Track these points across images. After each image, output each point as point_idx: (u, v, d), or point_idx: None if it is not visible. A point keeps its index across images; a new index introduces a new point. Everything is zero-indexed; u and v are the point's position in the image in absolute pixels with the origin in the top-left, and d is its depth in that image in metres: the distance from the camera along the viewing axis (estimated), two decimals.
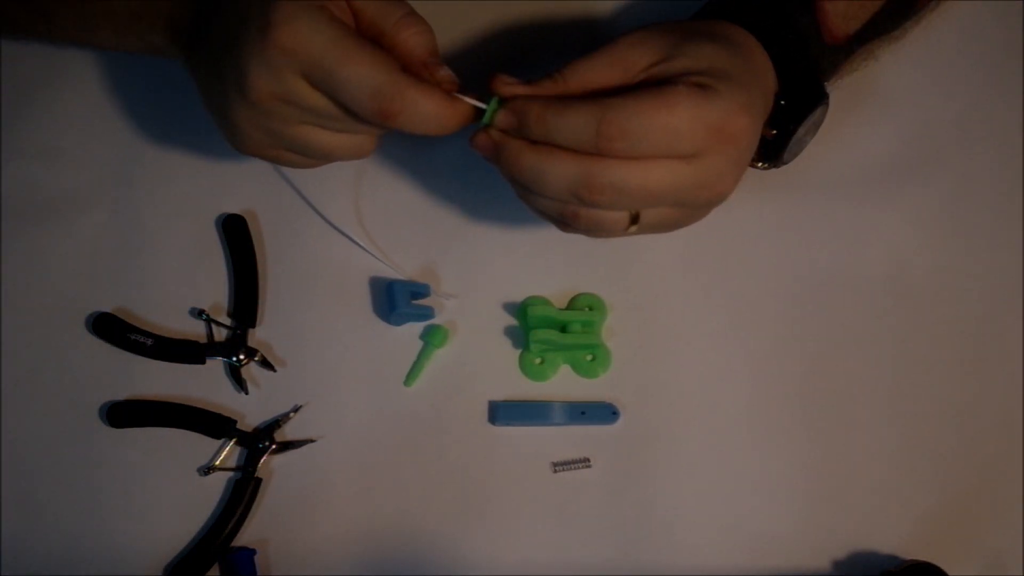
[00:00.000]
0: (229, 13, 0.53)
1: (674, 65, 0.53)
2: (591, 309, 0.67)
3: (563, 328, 0.65)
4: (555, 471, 0.65)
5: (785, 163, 0.62)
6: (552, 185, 0.52)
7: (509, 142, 0.53)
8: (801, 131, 0.60)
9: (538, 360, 0.66)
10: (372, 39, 0.52)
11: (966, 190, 0.69)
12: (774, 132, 0.59)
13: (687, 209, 0.55)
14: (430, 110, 0.51)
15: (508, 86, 0.53)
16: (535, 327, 0.65)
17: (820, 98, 0.60)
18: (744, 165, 0.55)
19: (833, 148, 0.68)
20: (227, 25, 0.53)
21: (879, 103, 0.70)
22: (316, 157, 0.57)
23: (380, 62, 0.51)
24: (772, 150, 0.60)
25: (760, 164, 0.62)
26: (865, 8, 0.62)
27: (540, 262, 0.68)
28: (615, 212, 0.53)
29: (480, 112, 0.53)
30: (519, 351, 0.67)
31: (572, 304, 0.67)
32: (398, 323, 0.67)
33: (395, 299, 0.66)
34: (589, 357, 0.66)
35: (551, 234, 0.68)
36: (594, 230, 0.54)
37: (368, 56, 0.50)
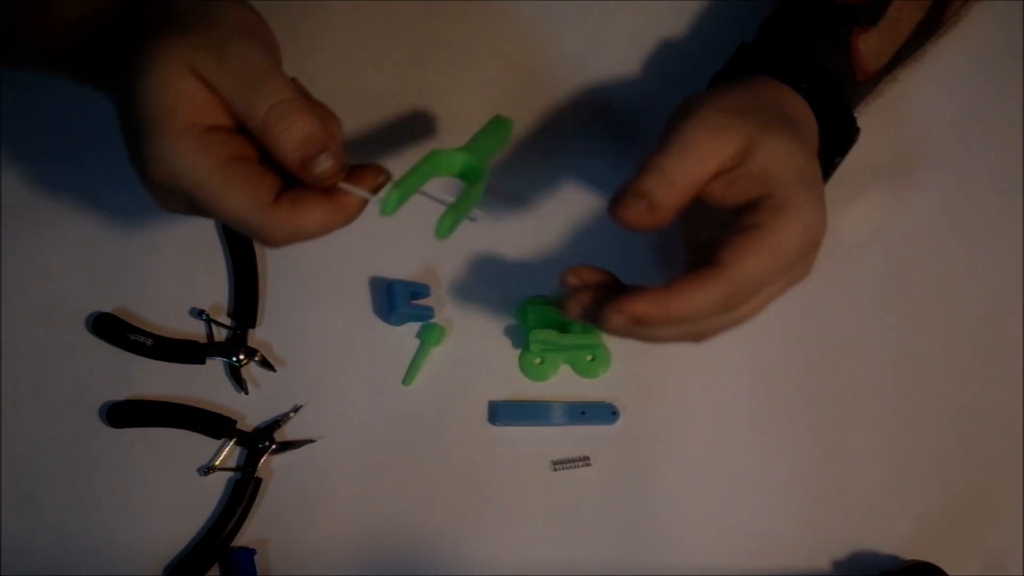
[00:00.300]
0: (122, 121, 0.51)
1: (755, 163, 0.52)
2: None
3: (563, 328, 0.64)
4: (555, 470, 0.65)
5: None
6: (699, 321, 0.52)
7: (646, 310, 0.50)
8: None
9: (538, 360, 0.66)
10: (252, 136, 0.50)
11: (966, 190, 0.70)
12: None
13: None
14: (312, 226, 0.50)
15: (640, 216, 0.51)
16: (535, 327, 0.65)
17: (854, 138, 0.61)
18: None
19: None
20: (123, 133, 0.51)
21: (879, 103, 0.70)
22: None
23: (247, 201, 0.49)
24: None
25: None
26: (893, 42, 0.63)
27: (541, 263, 0.68)
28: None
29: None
30: (519, 351, 0.67)
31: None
32: (398, 323, 0.67)
33: (395, 299, 0.66)
34: (589, 357, 0.66)
35: (551, 235, 0.68)
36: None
37: (235, 196, 0.48)
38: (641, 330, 0.51)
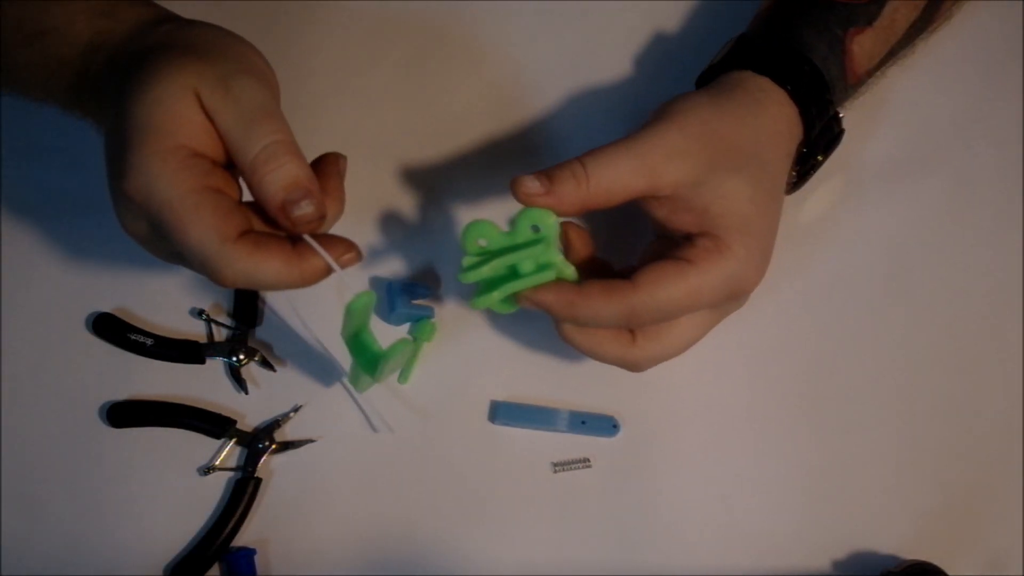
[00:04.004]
0: (109, 140, 0.51)
1: (699, 199, 0.54)
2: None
3: (514, 274, 0.56)
4: (555, 471, 0.65)
5: (795, 191, 0.65)
6: (605, 360, 0.58)
7: (561, 328, 0.56)
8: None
9: (476, 258, 0.56)
10: (240, 173, 0.50)
11: (966, 190, 0.70)
12: (794, 173, 0.62)
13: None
14: (269, 276, 0.49)
15: (532, 195, 0.53)
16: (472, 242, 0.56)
17: (839, 138, 0.62)
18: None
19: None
20: (108, 150, 0.51)
21: (878, 103, 0.70)
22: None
23: (210, 230, 0.48)
24: (790, 188, 0.63)
25: None
26: (887, 42, 0.63)
27: None
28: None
29: None
30: (519, 349, 0.67)
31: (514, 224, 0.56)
32: (398, 323, 0.67)
33: (395, 299, 0.66)
34: (531, 266, 0.56)
35: None
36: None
37: (199, 223, 0.48)
38: (562, 329, 0.56)
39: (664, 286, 0.53)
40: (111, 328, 0.66)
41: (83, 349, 0.67)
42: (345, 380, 0.66)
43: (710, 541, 0.64)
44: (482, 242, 0.56)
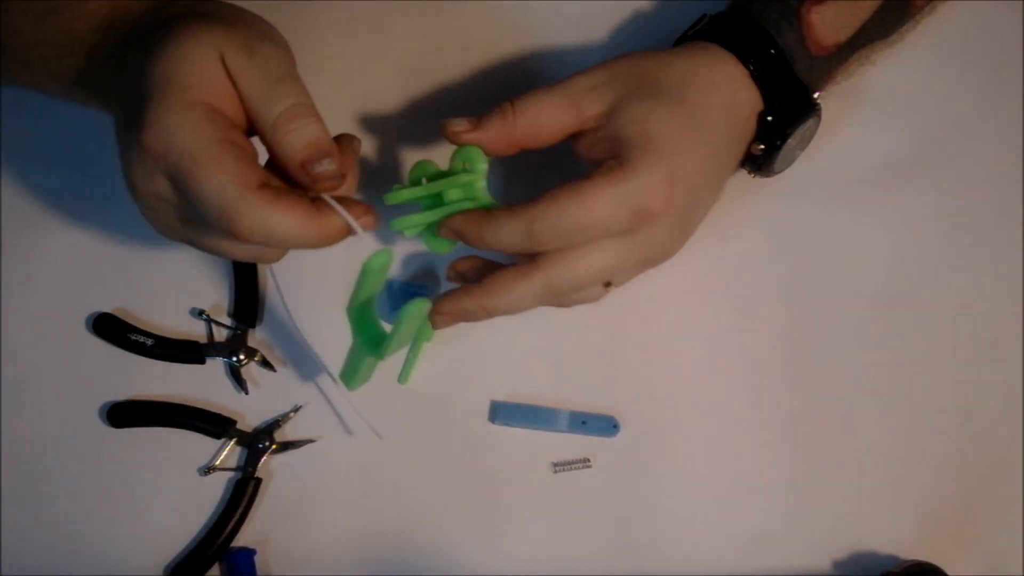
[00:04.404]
0: (128, 93, 0.51)
1: (612, 126, 0.56)
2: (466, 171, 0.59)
3: (440, 202, 0.59)
4: (555, 471, 0.65)
5: (777, 173, 0.63)
6: (524, 304, 0.57)
7: (463, 303, 0.57)
8: (791, 143, 0.61)
9: (394, 199, 0.60)
10: (259, 134, 0.50)
11: (965, 191, 0.69)
12: (762, 148, 0.61)
13: (647, 265, 0.58)
14: (287, 230, 0.48)
15: (459, 132, 0.55)
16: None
17: (807, 111, 0.61)
18: (688, 226, 0.58)
19: (832, 149, 0.68)
20: (124, 106, 0.51)
21: (878, 104, 0.70)
22: (215, 254, 0.54)
23: (231, 177, 0.48)
24: (762, 164, 0.62)
25: (752, 175, 0.63)
26: (855, 16, 0.62)
27: None
28: (587, 290, 0.57)
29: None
30: (521, 349, 0.67)
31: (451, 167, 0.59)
32: None
33: (395, 299, 0.66)
34: (458, 197, 0.59)
35: None
36: (584, 303, 0.59)
37: (220, 169, 0.47)
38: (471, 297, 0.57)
39: (561, 200, 0.53)
40: (111, 328, 0.66)
41: (83, 349, 0.67)
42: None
43: (710, 541, 0.64)
44: (425, 182, 0.59)
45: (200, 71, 0.49)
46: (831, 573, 0.64)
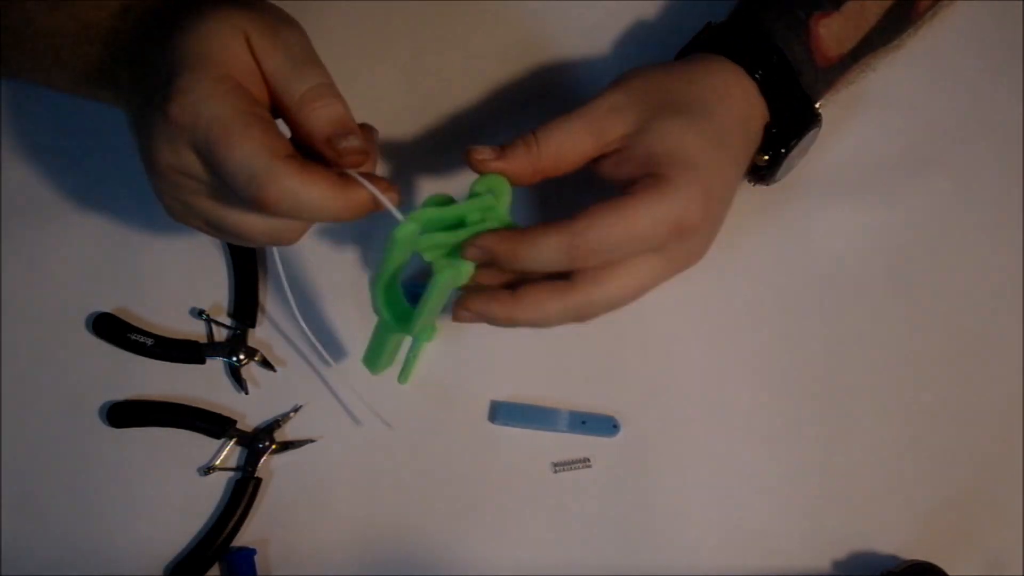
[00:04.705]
0: (149, 79, 0.52)
1: (641, 145, 0.55)
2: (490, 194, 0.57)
3: (460, 224, 0.56)
4: (555, 471, 0.65)
5: (777, 181, 0.64)
6: (551, 322, 0.55)
7: (492, 309, 0.54)
8: (794, 153, 0.61)
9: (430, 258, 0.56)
10: (283, 112, 0.51)
11: (966, 190, 0.70)
12: (766, 158, 0.61)
13: (670, 278, 0.57)
14: (314, 200, 0.49)
15: (484, 160, 0.55)
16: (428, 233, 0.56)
17: (811, 123, 0.61)
18: (712, 240, 0.58)
19: (833, 149, 0.68)
20: (145, 91, 0.52)
21: (879, 103, 0.70)
22: (232, 236, 0.54)
23: (260, 146, 0.48)
24: (765, 174, 0.62)
25: (753, 184, 0.64)
26: (859, 28, 0.62)
27: None
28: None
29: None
30: (522, 350, 0.67)
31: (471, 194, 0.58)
32: None
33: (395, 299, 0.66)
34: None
35: None
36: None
37: (249, 138, 0.48)
38: (504, 307, 0.54)
39: (601, 217, 0.52)
40: (111, 328, 0.66)
41: (83, 349, 0.67)
42: (346, 378, 0.66)
43: (710, 541, 0.64)
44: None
45: (229, 48, 0.50)
46: (831, 573, 0.64)
